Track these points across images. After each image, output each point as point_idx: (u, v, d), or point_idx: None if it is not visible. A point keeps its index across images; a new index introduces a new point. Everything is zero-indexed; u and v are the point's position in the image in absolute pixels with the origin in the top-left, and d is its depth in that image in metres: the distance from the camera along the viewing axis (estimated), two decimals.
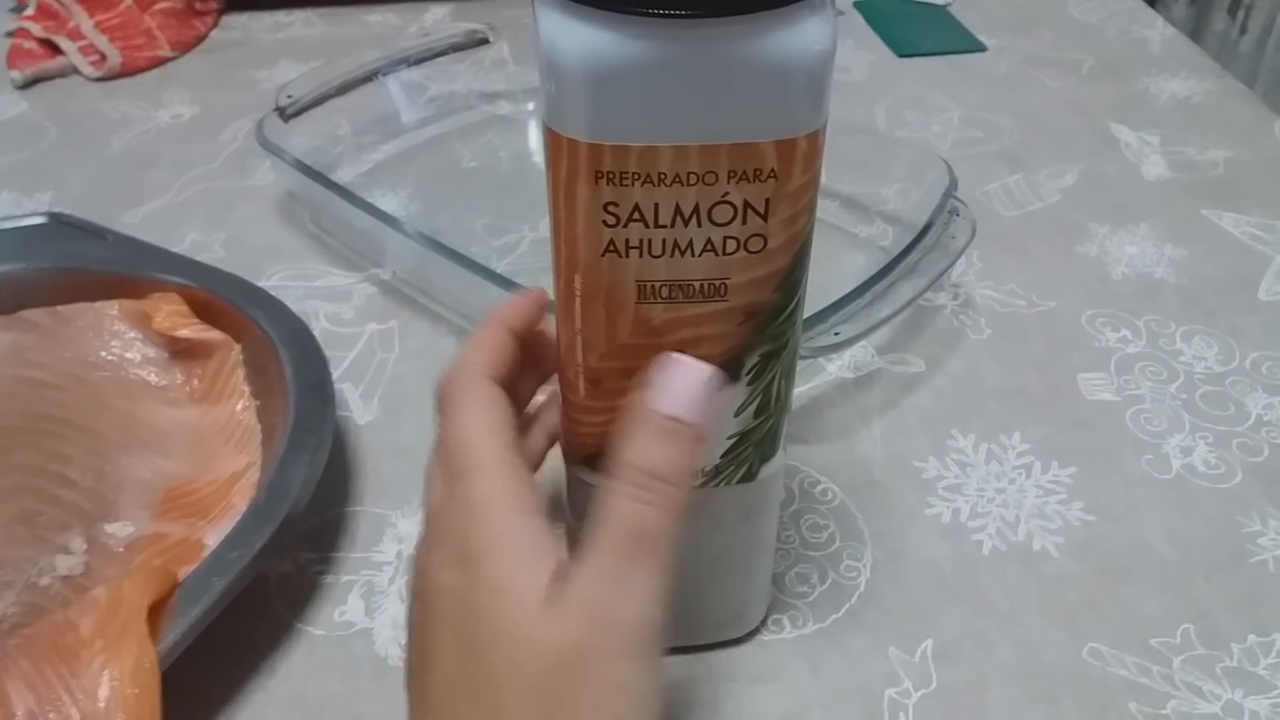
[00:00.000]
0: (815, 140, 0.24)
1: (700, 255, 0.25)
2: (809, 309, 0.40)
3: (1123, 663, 0.34)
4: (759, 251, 0.25)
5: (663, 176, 0.23)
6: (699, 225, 0.24)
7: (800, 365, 0.42)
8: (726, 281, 0.25)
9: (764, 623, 0.35)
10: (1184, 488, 0.40)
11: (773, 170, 0.24)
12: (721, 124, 0.23)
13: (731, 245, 0.25)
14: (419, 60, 0.63)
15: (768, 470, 0.30)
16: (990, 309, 0.49)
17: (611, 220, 0.24)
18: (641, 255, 0.25)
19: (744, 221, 0.24)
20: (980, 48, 0.72)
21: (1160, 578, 0.36)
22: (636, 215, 0.24)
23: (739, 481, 0.29)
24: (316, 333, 0.47)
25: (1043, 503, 0.39)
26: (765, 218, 0.24)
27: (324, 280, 0.51)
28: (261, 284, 0.50)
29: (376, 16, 0.78)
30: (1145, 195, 0.57)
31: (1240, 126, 0.63)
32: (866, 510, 0.39)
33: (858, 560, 0.37)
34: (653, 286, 0.25)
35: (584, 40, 0.22)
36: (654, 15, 0.21)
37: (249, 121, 0.63)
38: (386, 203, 0.56)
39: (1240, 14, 2.03)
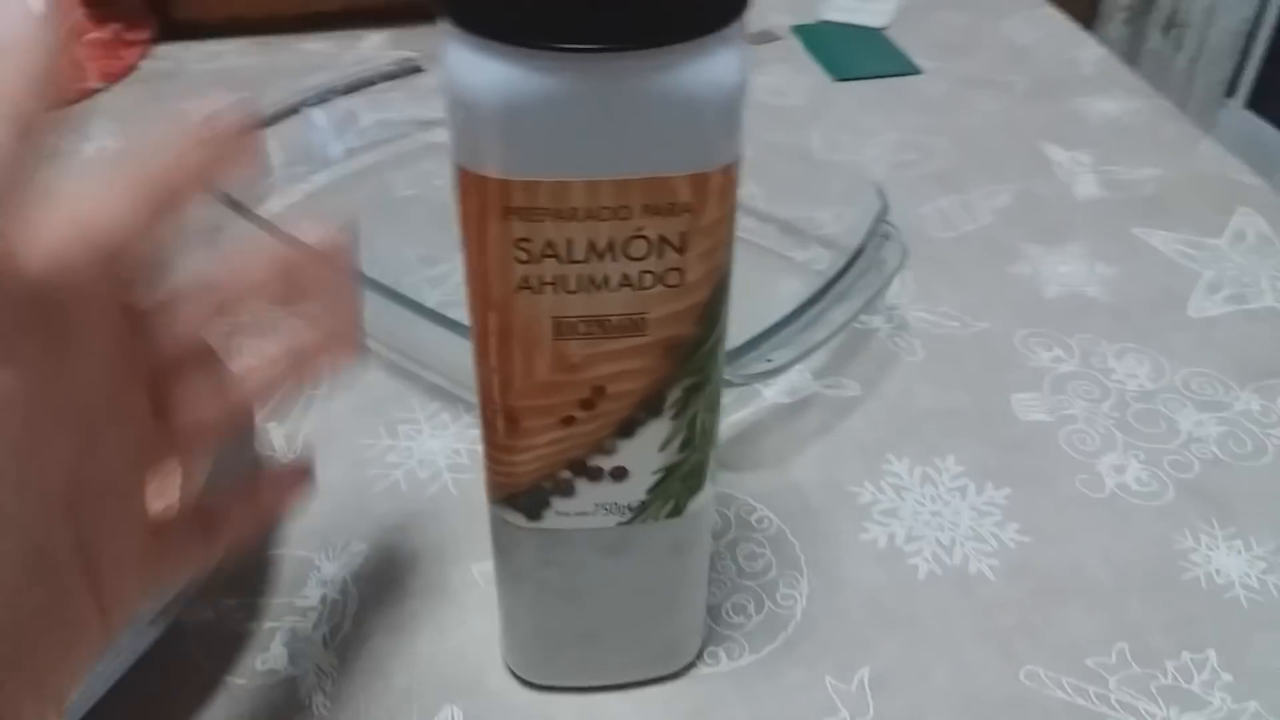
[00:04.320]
0: (730, 174, 0.24)
1: (617, 290, 0.25)
2: (743, 335, 0.40)
3: (1060, 684, 0.34)
4: (677, 286, 0.25)
5: (575, 211, 0.23)
6: (614, 260, 0.24)
7: (735, 392, 0.42)
8: (645, 316, 0.25)
9: (699, 656, 0.34)
10: (1117, 507, 0.40)
11: (687, 204, 0.23)
12: (634, 158, 0.23)
13: (648, 280, 0.24)
14: (351, 89, 0.62)
15: (696, 504, 0.29)
16: (924, 331, 0.49)
17: (524, 256, 0.24)
18: (556, 291, 0.24)
19: (660, 256, 0.24)
20: (916, 70, 0.73)
21: (1095, 598, 0.37)
22: (549, 251, 0.24)
23: (666, 517, 0.29)
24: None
25: (978, 525, 0.39)
26: (681, 251, 0.24)
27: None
28: None
29: (311, 45, 0.77)
30: (1077, 215, 0.58)
31: (1169, 145, 0.64)
32: (803, 537, 0.39)
33: (794, 588, 0.37)
34: (569, 323, 0.25)
35: (490, 75, 0.21)
36: (561, 50, 0.21)
37: None
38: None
39: (1174, 32, 2.09)
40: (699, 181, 0.23)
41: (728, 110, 0.23)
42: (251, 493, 0.28)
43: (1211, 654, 0.35)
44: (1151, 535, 0.39)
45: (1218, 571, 0.38)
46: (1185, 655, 0.35)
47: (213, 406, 0.26)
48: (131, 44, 0.74)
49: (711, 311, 0.26)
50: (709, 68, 0.22)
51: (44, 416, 0.20)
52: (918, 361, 0.47)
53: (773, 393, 0.46)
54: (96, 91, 0.70)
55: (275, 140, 0.59)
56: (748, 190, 0.60)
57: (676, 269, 0.24)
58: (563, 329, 0.25)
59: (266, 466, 0.29)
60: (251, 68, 0.74)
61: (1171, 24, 2.11)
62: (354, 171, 0.61)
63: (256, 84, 0.71)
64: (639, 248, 0.24)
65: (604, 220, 0.23)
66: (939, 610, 0.36)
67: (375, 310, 0.44)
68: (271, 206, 0.57)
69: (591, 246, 0.24)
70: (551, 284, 0.24)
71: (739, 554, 0.38)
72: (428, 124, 0.64)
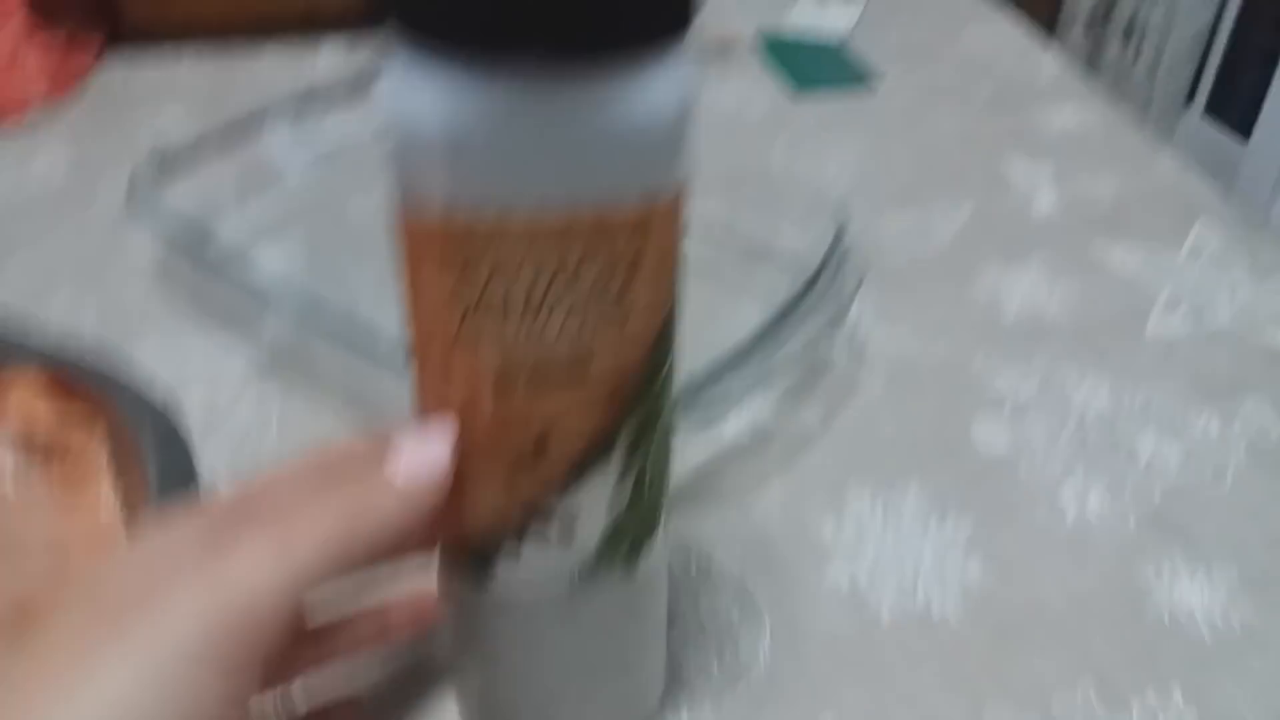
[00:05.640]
0: (677, 202, 0.23)
1: (561, 330, 0.23)
2: (701, 365, 0.40)
3: None
4: (622, 322, 0.24)
5: (515, 245, 0.22)
6: (557, 298, 0.23)
7: (694, 430, 0.41)
8: (590, 356, 0.24)
9: (659, 712, 0.33)
10: (1079, 538, 0.40)
11: (633, 234, 0.22)
12: (577, 187, 0.21)
13: (593, 317, 0.23)
14: (308, 103, 0.61)
15: (648, 560, 0.28)
16: (884, 357, 0.48)
17: (464, 298, 0.23)
18: (499, 335, 0.23)
19: (604, 290, 0.23)
20: (877, 81, 0.72)
21: (1058, 636, 0.36)
22: (490, 291, 0.23)
23: (618, 574, 0.28)
24: (192, 406, 0.45)
25: (940, 562, 0.39)
26: (627, 284, 0.23)
27: (200, 351, 0.49)
28: (135, 352, 0.48)
29: (265, 61, 0.75)
30: (1036, 230, 0.57)
31: (1128, 156, 0.64)
32: (765, 584, 0.38)
33: (756, 639, 0.36)
34: (513, 366, 0.24)
35: (431, 95, 0.20)
36: (506, 59, 0.20)
37: (128, 171, 0.61)
38: (271, 257, 0.54)
39: (1134, 39, 2.10)
40: (644, 211, 0.22)
41: (673, 135, 0.22)
42: None
43: (1177, 692, 0.34)
44: (1113, 567, 0.39)
45: (1180, 604, 0.37)
46: (1150, 694, 0.34)
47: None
48: (82, 56, 0.72)
49: (658, 350, 0.25)
50: (654, 89, 0.21)
51: None
52: (878, 389, 0.47)
53: (732, 430, 0.45)
54: (44, 106, 0.68)
55: (233, 157, 0.57)
56: (708, 211, 0.60)
57: (620, 304, 0.23)
58: (506, 373, 0.24)
59: None
60: (204, 84, 0.72)
61: (1130, 31, 2.12)
62: (309, 191, 0.59)
63: (210, 101, 0.70)
64: (582, 283, 0.23)
65: (546, 254, 0.22)
66: (902, 656, 0.35)
67: (327, 343, 0.43)
68: (225, 229, 0.56)
69: (533, 285, 0.23)
70: (493, 326, 0.23)
71: (700, 605, 0.37)
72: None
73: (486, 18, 0.19)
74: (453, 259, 0.22)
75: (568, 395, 0.24)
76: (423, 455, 0.24)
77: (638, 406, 0.25)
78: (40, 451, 0.39)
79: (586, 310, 0.23)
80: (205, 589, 0.21)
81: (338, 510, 0.23)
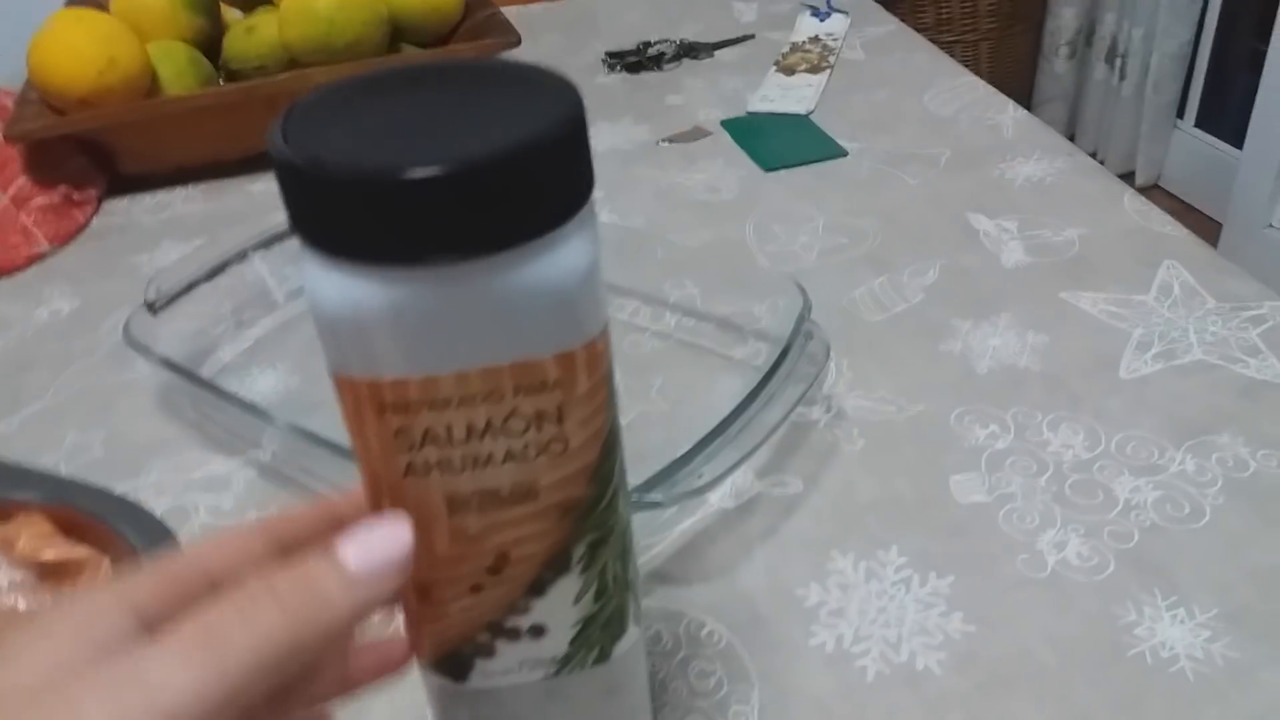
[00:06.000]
0: (595, 347, 0.25)
1: (504, 464, 0.25)
2: (677, 447, 0.41)
3: None
4: (561, 454, 0.25)
5: (447, 400, 0.24)
6: (495, 438, 0.25)
7: (679, 504, 0.42)
8: (535, 484, 0.26)
9: None
10: (1059, 585, 0.40)
11: (557, 381, 0.24)
12: (496, 347, 0.24)
13: (532, 452, 0.25)
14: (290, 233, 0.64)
15: (621, 648, 0.30)
16: (862, 419, 0.50)
17: (405, 446, 0.25)
18: (443, 473, 0.25)
19: (539, 429, 0.25)
20: (842, 153, 0.74)
21: (1041, 684, 0.37)
22: (429, 438, 0.24)
23: (594, 664, 0.29)
24: (196, 527, 0.47)
25: (923, 618, 0.40)
26: (560, 422, 0.25)
27: (204, 470, 0.51)
28: (141, 479, 0.50)
29: (258, 185, 0.79)
30: (1005, 284, 0.59)
31: (1092, 202, 0.66)
32: (753, 649, 0.39)
33: (746, 704, 0.37)
34: (462, 499, 0.26)
35: (344, 290, 0.22)
36: (408, 264, 0.22)
37: (130, 310, 0.63)
38: (266, 380, 0.57)
39: (1118, 61, 2.14)
40: (565, 360, 0.24)
41: (583, 292, 0.24)
42: None
43: None
44: (1095, 612, 0.39)
45: (1162, 644, 0.38)
46: None
47: None
48: (81, 203, 0.76)
49: (602, 471, 0.26)
50: (558, 258, 0.23)
51: None
52: (857, 451, 0.48)
53: (718, 497, 0.46)
54: (49, 254, 0.72)
55: (227, 284, 0.60)
56: (685, 291, 0.61)
57: (558, 439, 0.25)
58: (456, 505, 0.26)
59: None
60: (199, 214, 0.76)
61: (1113, 54, 2.16)
62: (299, 313, 0.62)
63: (206, 230, 0.73)
64: (517, 424, 0.25)
65: (478, 405, 0.24)
66: (889, 712, 0.36)
67: (322, 457, 0.45)
68: (223, 354, 0.59)
69: (470, 429, 0.25)
70: (437, 466, 0.25)
71: (690, 673, 0.38)
72: None
73: (385, 238, 0.22)
74: (388, 416, 0.24)
75: (519, 521, 0.26)
76: (379, 541, 0.24)
77: (589, 528, 0.27)
78: (52, 572, 0.40)
79: (524, 450, 0.25)
80: (119, 690, 0.20)
81: (282, 610, 0.22)
